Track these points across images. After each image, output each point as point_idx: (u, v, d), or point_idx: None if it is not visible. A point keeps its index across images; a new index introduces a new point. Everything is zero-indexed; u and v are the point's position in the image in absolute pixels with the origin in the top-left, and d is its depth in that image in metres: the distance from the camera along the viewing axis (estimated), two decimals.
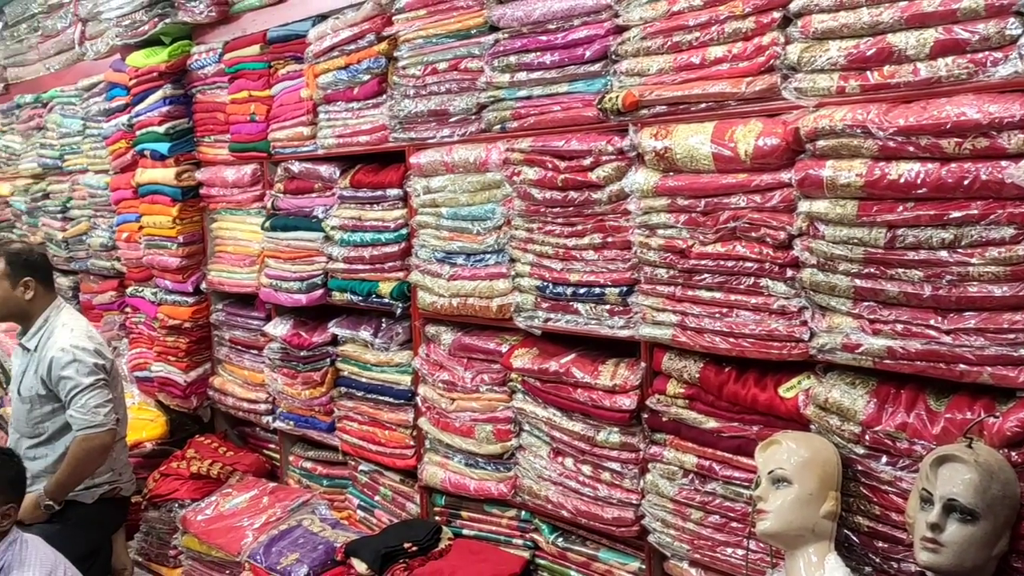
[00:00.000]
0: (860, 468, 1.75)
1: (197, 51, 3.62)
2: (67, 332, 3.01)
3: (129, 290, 4.21)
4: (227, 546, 2.96)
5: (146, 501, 3.52)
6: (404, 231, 2.79)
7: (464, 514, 2.74)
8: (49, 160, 4.81)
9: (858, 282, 1.69)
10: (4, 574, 2.19)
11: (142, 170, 3.87)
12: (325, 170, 3.05)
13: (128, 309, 4.27)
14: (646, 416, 2.16)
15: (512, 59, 2.35)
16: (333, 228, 3.01)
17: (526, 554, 2.54)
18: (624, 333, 2.18)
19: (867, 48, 1.68)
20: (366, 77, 2.82)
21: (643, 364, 2.18)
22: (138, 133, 3.85)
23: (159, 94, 3.69)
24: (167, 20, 3.64)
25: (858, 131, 1.63)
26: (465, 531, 2.72)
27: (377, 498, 3.05)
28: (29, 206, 5.04)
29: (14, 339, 3.35)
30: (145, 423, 3.93)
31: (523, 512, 2.57)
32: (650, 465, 2.16)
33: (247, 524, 3.03)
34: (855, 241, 1.68)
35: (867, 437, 1.72)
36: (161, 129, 3.69)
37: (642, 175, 2.05)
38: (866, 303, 1.70)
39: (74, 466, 2.96)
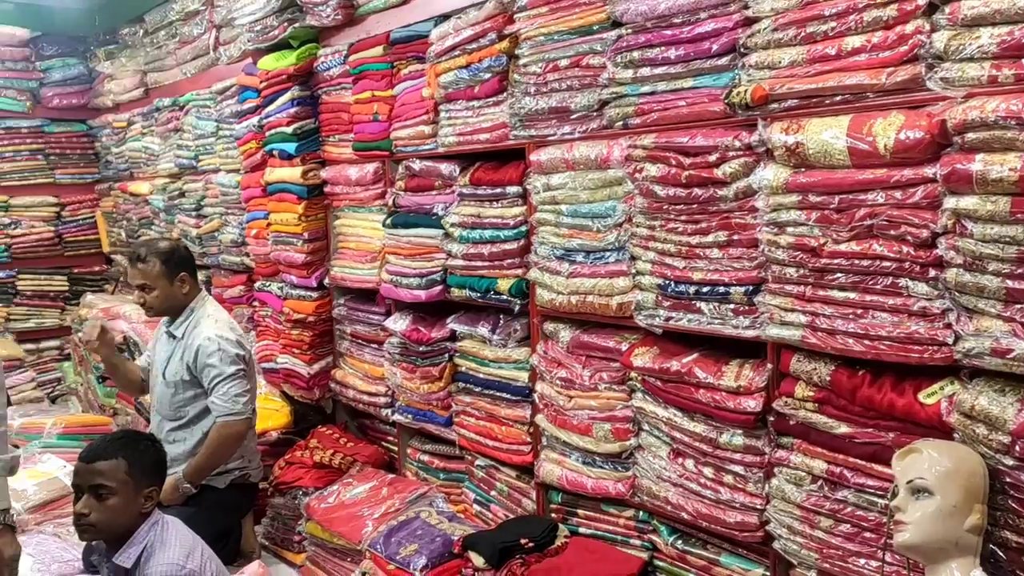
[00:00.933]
0: (1009, 480, 1.65)
1: (323, 53, 3.74)
2: (212, 323, 3.21)
3: (257, 284, 4.39)
4: (348, 534, 3.04)
5: (272, 488, 3.66)
6: (523, 228, 2.80)
7: (580, 512, 2.73)
8: (185, 160, 5.06)
9: (1010, 283, 1.59)
10: (148, 552, 2.32)
11: (271, 169, 4.03)
12: (445, 168, 3.10)
13: (256, 303, 4.45)
14: (772, 419, 2.10)
15: (635, 54, 2.32)
16: (453, 225, 3.05)
17: (644, 555, 2.51)
18: (750, 333, 2.12)
19: (1022, 35, 1.58)
20: (487, 75, 2.84)
21: (769, 365, 2.11)
22: (267, 134, 4.01)
23: (287, 96, 3.83)
24: (296, 24, 3.77)
25: (1012, 123, 1.53)
26: (582, 529, 2.71)
27: (493, 493, 3.08)
28: (166, 204, 5.32)
29: (146, 326, 3.58)
30: (271, 412, 4.09)
31: (641, 512, 2.54)
32: (776, 469, 2.10)
33: (367, 514, 3.11)
34: (1007, 240, 1.58)
35: (1017, 448, 1.62)
36: (289, 129, 3.83)
37: (771, 171, 1.99)
38: (1019, 305, 1.60)
39: (212, 451, 3.13)
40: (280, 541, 3.59)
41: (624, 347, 2.48)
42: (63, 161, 6.60)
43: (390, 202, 3.42)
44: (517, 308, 2.84)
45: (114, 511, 2.31)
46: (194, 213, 5.02)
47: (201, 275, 5.05)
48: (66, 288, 6.60)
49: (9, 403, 4.66)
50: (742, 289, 2.12)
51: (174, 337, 3.28)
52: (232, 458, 3.26)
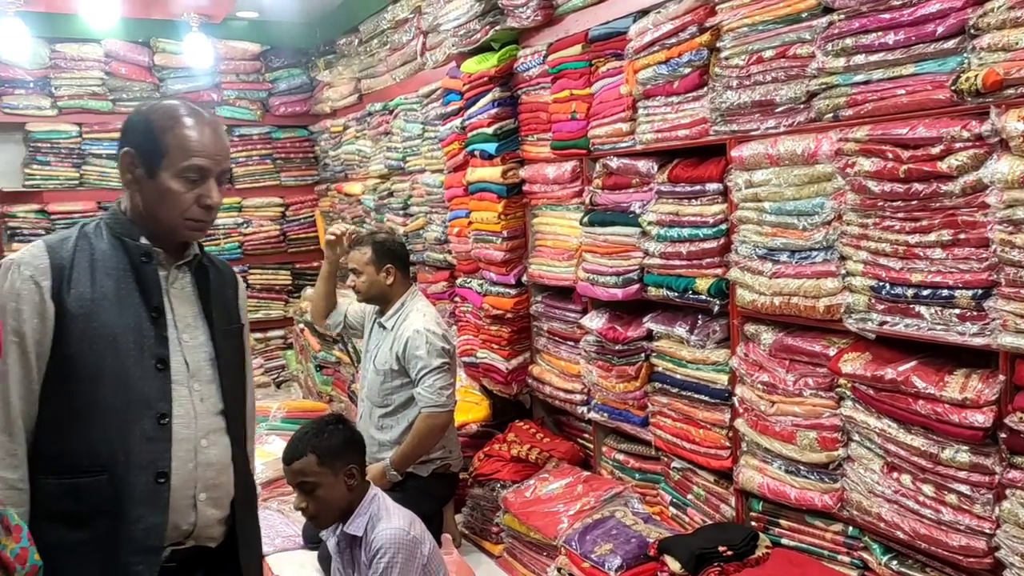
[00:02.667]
0: None
1: (523, 54, 3.80)
2: (420, 316, 3.40)
3: (458, 281, 4.55)
4: (544, 529, 3.09)
5: (472, 478, 3.78)
6: (723, 226, 2.71)
7: (783, 523, 2.61)
8: (393, 162, 5.33)
9: None
10: (373, 522, 2.54)
11: (472, 169, 4.16)
12: (643, 165, 3.06)
13: (457, 298, 4.62)
14: (1004, 435, 1.90)
15: (848, 41, 2.18)
16: (650, 223, 3.01)
17: (854, 573, 2.37)
18: (978, 341, 1.94)
19: None
20: (687, 70, 2.78)
21: (1002, 377, 1.92)
22: (469, 135, 4.14)
23: (488, 97, 3.93)
24: (497, 27, 3.87)
25: None
26: (784, 541, 2.59)
27: (690, 496, 3.01)
28: (376, 203, 5.63)
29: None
30: (471, 405, 4.23)
31: (850, 528, 2.40)
32: (1008, 491, 1.91)
33: (562, 510, 3.14)
34: None
35: None
36: (490, 130, 3.93)
37: (1006, 163, 1.80)
38: None
39: (417, 440, 3.30)
40: (479, 531, 3.70)
41: (832, 352, 2.34)
42: (288, 164, 7.14)
43: (587, 200, 3.42)
44: (716, 308, 2.75)
45: (324, 499, 2.53)
46: (401, 212, 5.28)
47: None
48: (289, 282, 7.17)
49: None
50: (969, 293, 1.94)
51: (384, 328, 3.49)
52: (434, 448, 3.41)
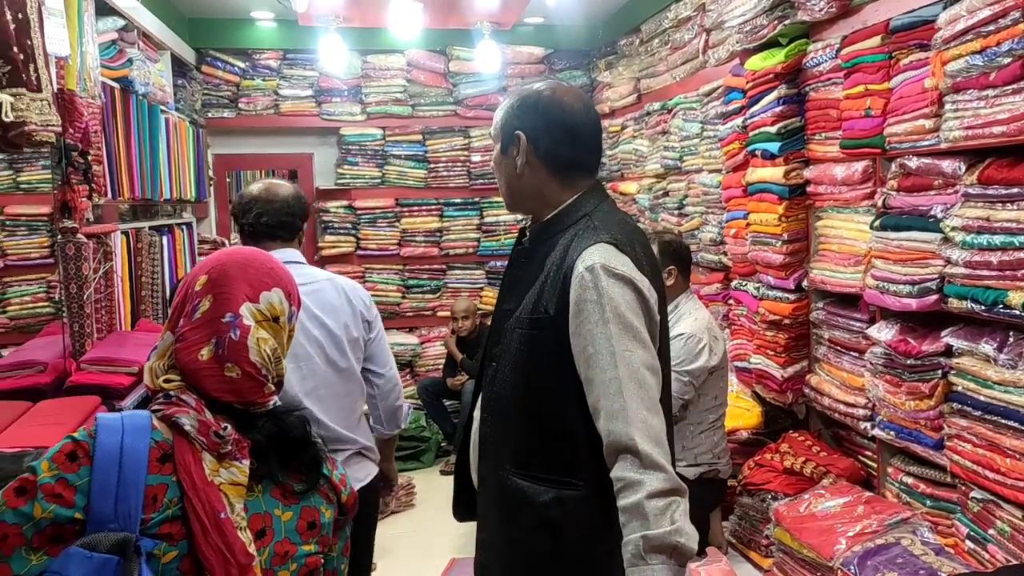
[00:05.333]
0: None
1: (813, 48, 3.63)
2: (691, 320, 3.39)
3: (733, 283, 4.44)
4: (819, 548, 2.94)
5: (740, 486, 3.69)
6: None
7: None
8: (670, 161, 5.31)
9: None
10: None
11: (752, 169, 4.04)
12: (948, 165, 2.80)
13: (731, 301, 4.51)
14: None
15: None
16: (954, 229, 2.75)
17: None
18: None
19: None
20: (1006, 60, 2.50)
21: None
22: (751, 134, 4.02)
23: (773, 95, 3.80)
24: (786, 22, 3.72)
25: None
26: None
27: (991, 532, 2.72)
28: (651, 203, 5.64)
29: None
30: (741, 412, 4.12)
31: None
32: None
33: (840, 530, 2.97)
34: None
35: None
36: (773, 129, 3.79)
37: None
38: None
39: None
40: (747, 541, 3.60)
41: None
42: None
43: (879, 203, 3.19)
44: None
45: None
46: (676, 212, 5.25)
47: None
48: None
49: None
50: None
51: None
52: (702, 453, 3.37)
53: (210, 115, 6.70)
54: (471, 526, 2.00)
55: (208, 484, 1.24)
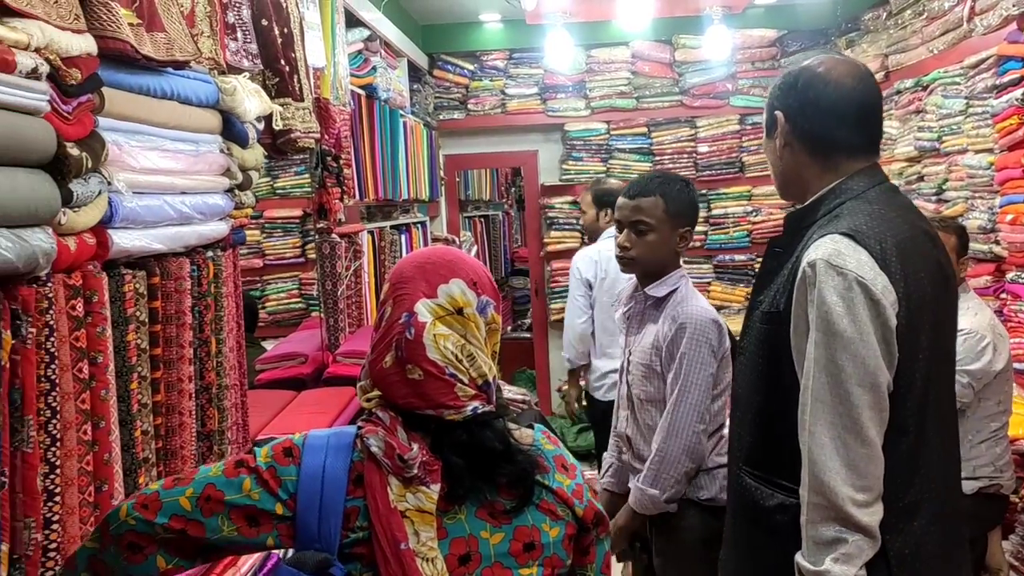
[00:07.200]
0: None
1: None
2: (972, 316, 3.13)
3: (1010, 275, 3.96)
4: None
5: (1023, 502, 3.28)
6: None
7: None
8: (926, 143, 4.84)
9: None
10: (679, 297, 2.57)
11: None
12: None
13: (1006, 295, 4.03)
14: None
15: None
16: None
17: None
18: None
19: None
20: None
21: None
22: None
23: None
24: None
25: None
26: None
27: None
28: (903, 189, 5.17)
29: None
30: (1022, 419, 3.66)
31: None
32: None
33: None
34: None
35: None
36: None
37: None
38: None
39: None
40: None
41: None
42: None
43: None
44: None
45: (651, 246, 2.51)
46: (934, 198, 4.78)
47: None
48: None
49: None
50: None
51: None
52: (982, 466, 3.02)
53: (441, 117, 6.95)
54: None
55: (391, 511, 1.18)
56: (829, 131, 1.70)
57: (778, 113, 1.74)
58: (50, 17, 1.40)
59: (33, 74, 1.33)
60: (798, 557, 1.55)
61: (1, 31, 1.27)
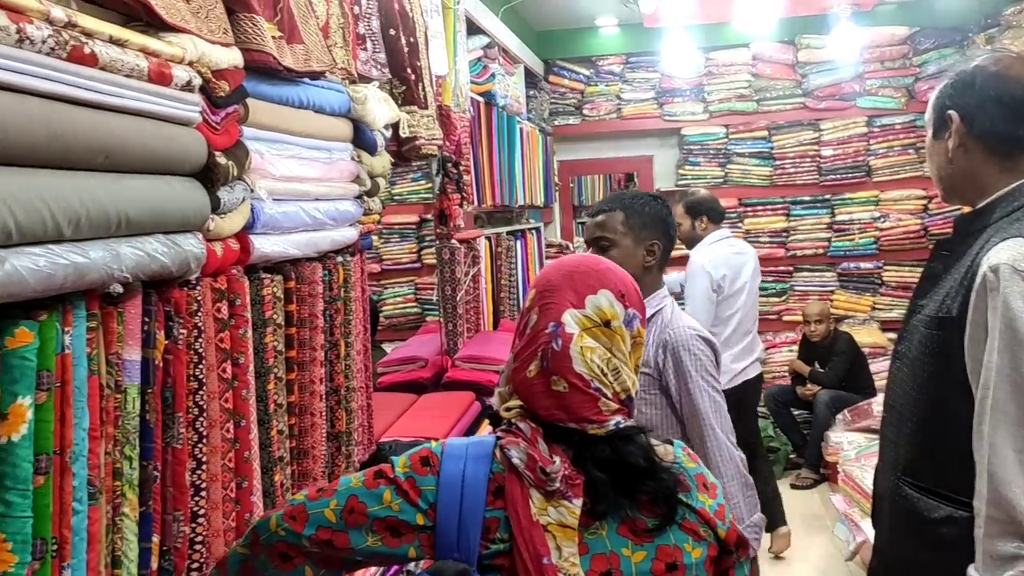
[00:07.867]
0: None
1: None
2: None
3: None
4: None
5: None
6: None
7: None
8: None
9: None
10: (664, 317, 2.35)
11: None
12: None
13: None
14: None
15: None
16: None
17: None
18: None
19: None
20: None
21: None
22: None
23: None
24: None
25: None
26: None
27: None
28: None
29: None
30: None
31: None
32: None
33: None
34: None
35: None
36: None
37: None
38: None
39: None
40: None
41: None
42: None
43: None
44: None
45: (615, 262, 2.31)
46: None
47: None
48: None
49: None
50: None
51: None
52: None
53: (556, 123, 6.95)
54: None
55: (533, 524, 1.15)
56: (1012, 130, 1.63)
57: (952, 113, 1.68)
58: (201, 31, 1.46)
59: (187, 87, 1.39)
60: (971, 571, 1.49)
61: (159, 46, 1.33)
